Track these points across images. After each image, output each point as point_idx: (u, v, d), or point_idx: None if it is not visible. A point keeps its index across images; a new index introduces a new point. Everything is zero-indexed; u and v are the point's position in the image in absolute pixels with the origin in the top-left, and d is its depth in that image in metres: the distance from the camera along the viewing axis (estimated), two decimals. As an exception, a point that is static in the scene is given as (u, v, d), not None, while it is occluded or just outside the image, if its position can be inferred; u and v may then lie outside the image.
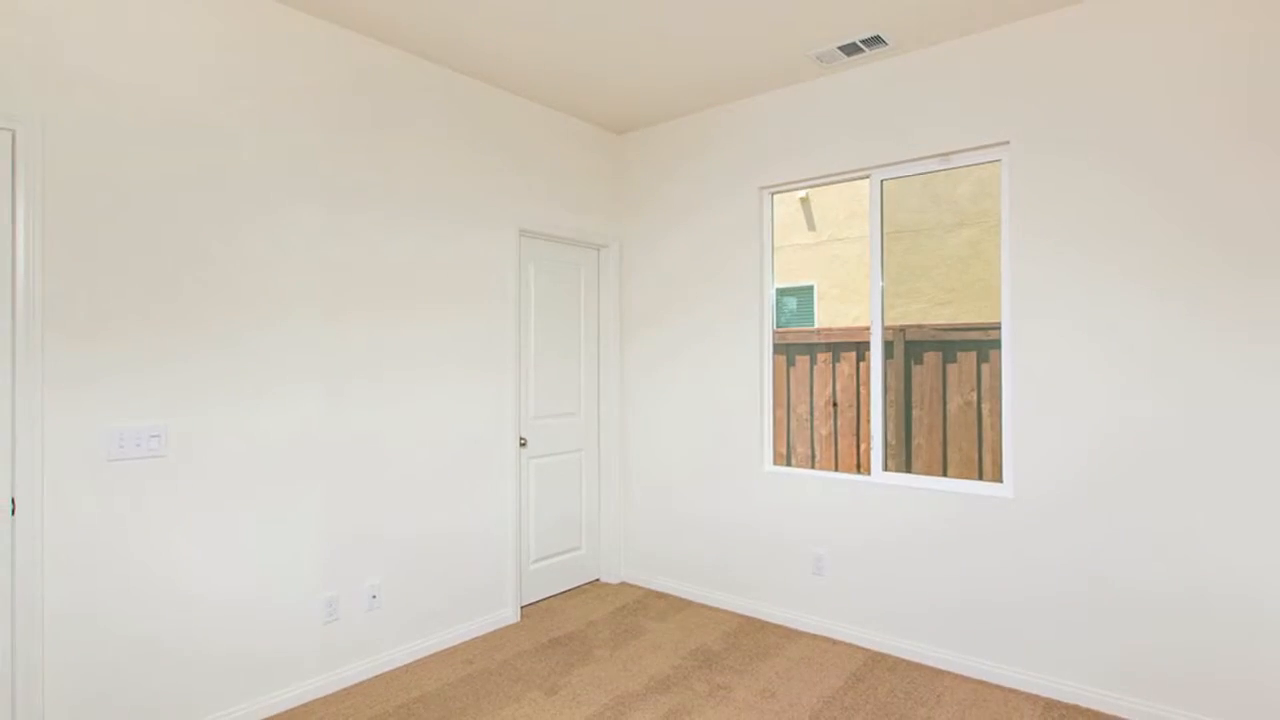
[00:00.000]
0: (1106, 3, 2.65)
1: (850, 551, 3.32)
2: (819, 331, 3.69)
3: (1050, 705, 2.69)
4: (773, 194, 3.72)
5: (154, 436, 2.36)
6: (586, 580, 4.18)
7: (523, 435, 3.76)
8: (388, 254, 3.06)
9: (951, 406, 3.21)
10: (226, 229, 2.54)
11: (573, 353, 4.09)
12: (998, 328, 3.05)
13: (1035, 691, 2.79)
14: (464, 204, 3.38)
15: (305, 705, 2.71)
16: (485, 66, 3.29)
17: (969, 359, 3.16)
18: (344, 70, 2.91)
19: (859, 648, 3.24)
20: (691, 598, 3.90)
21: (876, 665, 3.06)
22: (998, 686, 2.85)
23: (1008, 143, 2.90)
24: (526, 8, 2.74)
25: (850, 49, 3.08)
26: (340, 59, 2.90)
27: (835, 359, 3.62)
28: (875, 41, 3.01)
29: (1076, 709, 2.66)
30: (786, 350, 3.76)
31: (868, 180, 3.36)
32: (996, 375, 3.07)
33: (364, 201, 2.97)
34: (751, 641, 3.32)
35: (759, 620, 3.59)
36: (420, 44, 3.06)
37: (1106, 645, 2.65)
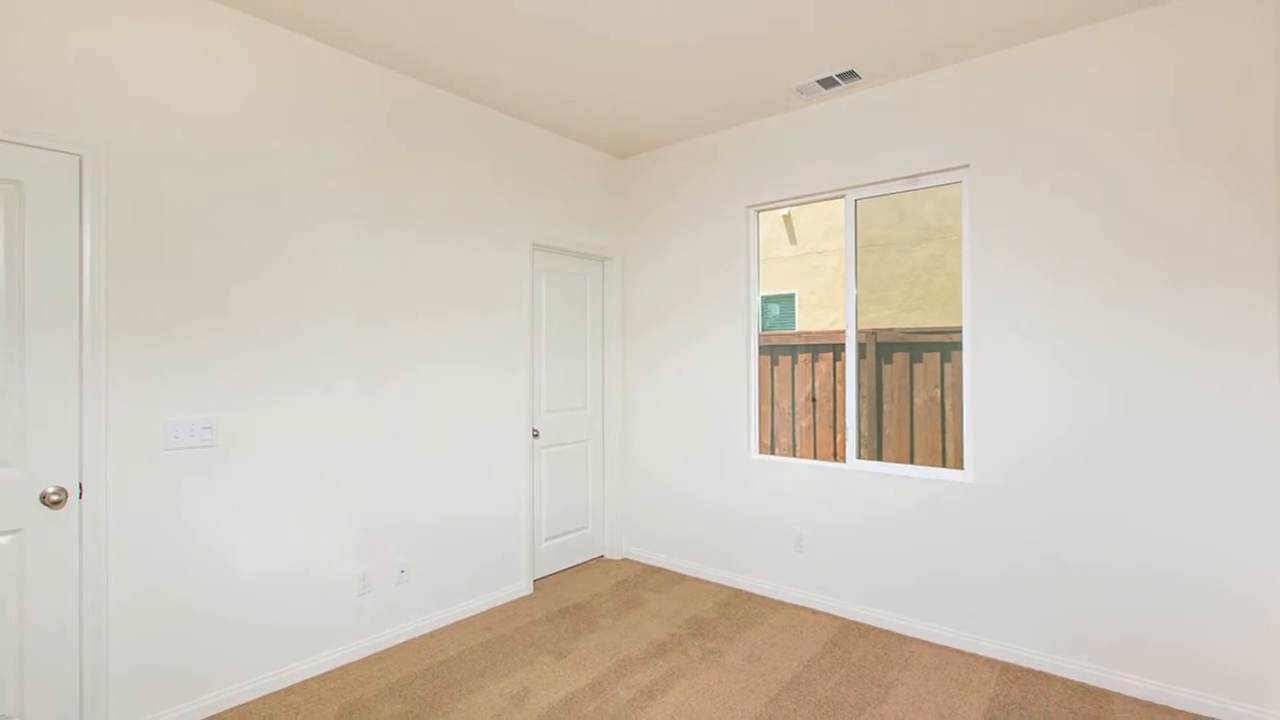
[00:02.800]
0: (1056, 41, 2.66)
1: (828, 531, 3.32)
2: (800, 334, 3.69)
3: (1007, 668, 2.70)
4: (758, 212, 3.72)
5: (206, 428, 2.36)
6: (592, 556, 4.18)
7: (535, 427, 3.76)
8: (415, 266, 3.06)
9: (918, 401, 3.21)
10: (270, 244, 2.55)
11: (580, 353, 4.09)
12: (959, 331, 3.05)
13: (993, 656, 2.79)
14: (483, 221, 3.39)
15: (340, 668, 2.72)
16: (503, 98, 3.29)
17: (934, 359, 3.17)
18: (377, 102, 2.91)
19: (835, 617, 3.24)
20: (686, 572, 3.91)
21: (851, 633, 3.06)
22: (960, 651, 2.85)
23: (968, 166, 2.91)
24: (542, 47, 2.74)
25: (827, 82, 3.09)
26: (373, 92, 2.90)
27: (814, 359, 3.62)
28: (850, 76, 3.02)
29: (1031, 672, 2.67)
30: (771, 351, 3.76)
31: (843, 199, 3.36)
32: (958, 373, 3.07)
33: (394, 219, 2.98)
34: (740, 612, 3.33)
35: (746, 593, 3.60)
36: (445, 79, 3.06)
37: (1057, 614, 2.65)
